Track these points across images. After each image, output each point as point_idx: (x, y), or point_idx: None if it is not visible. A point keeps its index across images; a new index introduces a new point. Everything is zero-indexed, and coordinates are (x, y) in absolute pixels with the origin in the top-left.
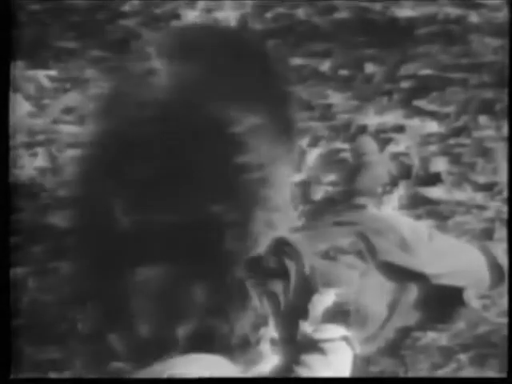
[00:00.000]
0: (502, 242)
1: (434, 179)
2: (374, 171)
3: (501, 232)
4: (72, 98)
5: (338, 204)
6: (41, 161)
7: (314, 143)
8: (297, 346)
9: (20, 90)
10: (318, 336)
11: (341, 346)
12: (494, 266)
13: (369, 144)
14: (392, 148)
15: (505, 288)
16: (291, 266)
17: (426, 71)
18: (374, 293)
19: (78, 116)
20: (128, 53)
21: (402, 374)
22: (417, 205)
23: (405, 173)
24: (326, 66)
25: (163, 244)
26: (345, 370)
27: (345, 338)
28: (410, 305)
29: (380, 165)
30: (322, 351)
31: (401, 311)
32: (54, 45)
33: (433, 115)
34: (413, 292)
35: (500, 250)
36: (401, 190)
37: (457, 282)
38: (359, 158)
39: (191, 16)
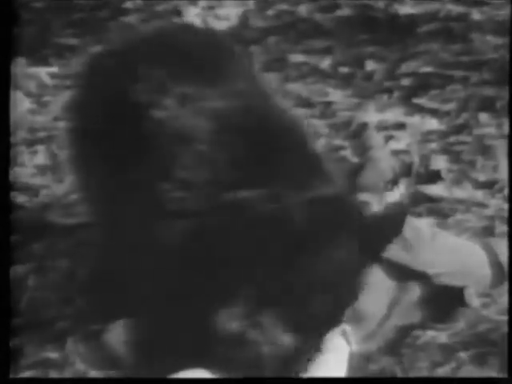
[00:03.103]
0: (503, 240)
1: (434, 177)
2: (378, 167)
3: (501, 230)
4: None
5: None
6: (41, 158)
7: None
8: None
9: (21, 87)
10: None
11: (338, 343)
12: (496, 264)
13: (374, 139)
14: (392, 145)
15: (505, 286)
16: None
17: (427, 69)
18: (373, 291)
19: None
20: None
21: (401, 373)
22: (417, 202)
23: (405, 170)
24: (326, 63)
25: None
26: (341, 368)
27: (342, 332)
28: (410, 303)
29: (384, 160)
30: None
31: (401, 310)
32: (55, 42)
33: (433, 113)
34: (414, 291)
35: (501, 248)
36: (401, 188)
37: (458, 281)
38: (364, 153)
39: (193, 13)
